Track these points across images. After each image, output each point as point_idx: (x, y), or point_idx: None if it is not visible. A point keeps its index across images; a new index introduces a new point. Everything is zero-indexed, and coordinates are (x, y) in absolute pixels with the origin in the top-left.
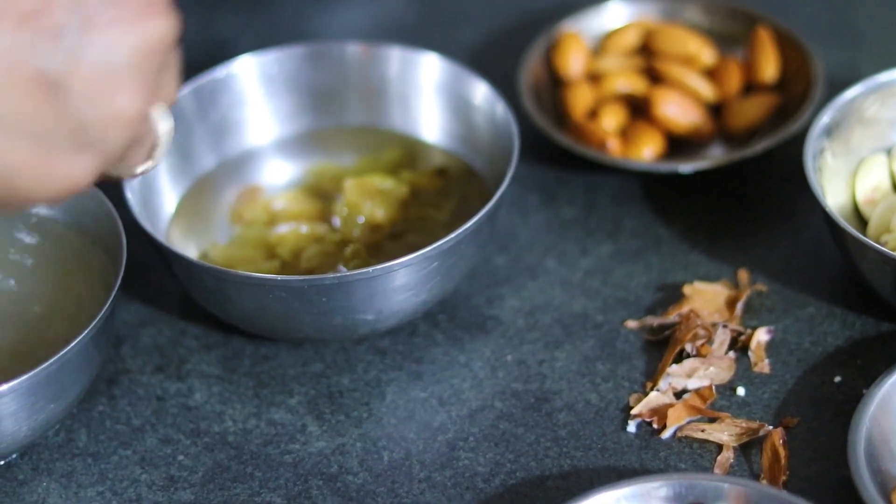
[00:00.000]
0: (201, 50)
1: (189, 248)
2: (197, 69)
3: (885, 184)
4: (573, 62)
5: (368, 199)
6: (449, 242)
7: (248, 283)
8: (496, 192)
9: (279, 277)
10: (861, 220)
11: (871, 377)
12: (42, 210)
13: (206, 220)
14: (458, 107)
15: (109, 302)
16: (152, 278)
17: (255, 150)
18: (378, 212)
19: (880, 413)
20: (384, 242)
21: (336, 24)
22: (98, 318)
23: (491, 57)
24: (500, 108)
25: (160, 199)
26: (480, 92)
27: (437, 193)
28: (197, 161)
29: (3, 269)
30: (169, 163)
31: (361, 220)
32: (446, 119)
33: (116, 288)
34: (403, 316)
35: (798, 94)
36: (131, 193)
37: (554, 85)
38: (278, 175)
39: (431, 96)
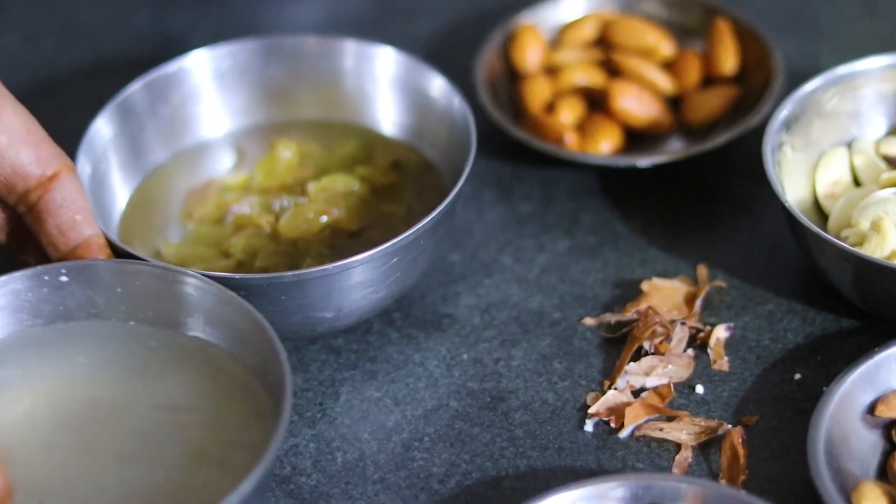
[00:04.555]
0: (153, 44)
1: (141, 246)
2: (149, 64)
3: (846, 178)
4: (530, 55)
5: (331, 201)
6: (408, 238)
7: None
8: (454, 187)
9: (237, 276)
10: (821, 215)
11: (832, 374)
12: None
13: (158, 216)
14: (415, 100)
15: (270, 449)
16: None
17: (208, 143)
18: (337, 212)
19: (840, 411)
20: (343, 241)
21: (289, 17)
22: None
23: (447, 50)
24: (457, 102)
25: (111, 194)
26: (437, 85)
27: (393, 188)
28: (148, 156)
29: (159, 398)
30: (120, 158)
31: (324, 219)
32: (402, 112)
33: (279, 434)
34: (362, 314)
35: (757, 87)
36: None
37: (511, 78)
38: (231, 170)
39: (387, 89)
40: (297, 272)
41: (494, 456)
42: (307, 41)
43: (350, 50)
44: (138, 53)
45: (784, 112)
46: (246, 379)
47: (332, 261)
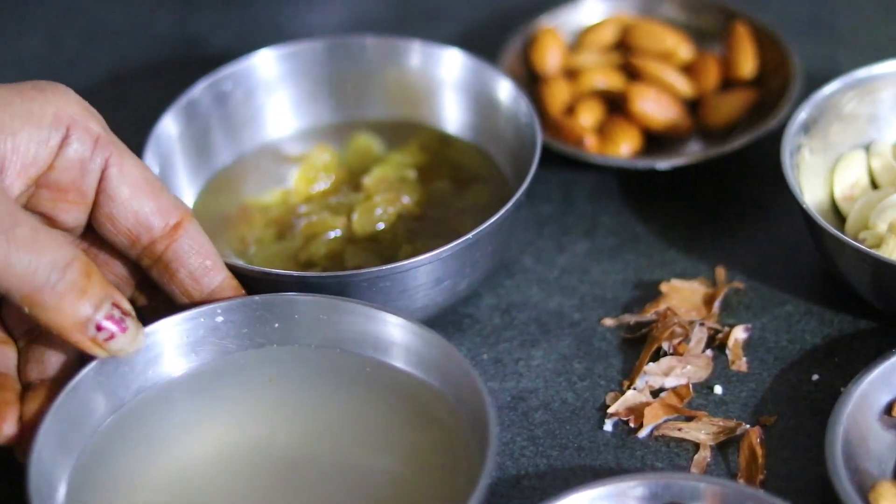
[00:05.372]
0: (174, 47)
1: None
2: (170, 66)
3: (864, 180)
4: (550, 58)
5: (393, 190)
6: (510, 208)
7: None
8: (525, 169)
9: (384, 267)
10: (839, 217)
11: (849, 375)
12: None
13: (224, 220)
14: (479, 101)
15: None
16: None
17: (273, 144)
18: (407, 199)
19: (858, 411)
20: (413, 225)
21: (310, 19)
22: None
23: (468, 52)
24: (524, 105)
25: (178, 194)
26: (503, 87)
27: (431, 166)
28: (215, 157)
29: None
30: (186, 158)
31: (392, 210)
32: (465, 112)
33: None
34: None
35: (776, 90)
36: None
37: (531, 81)
38: (292, 174)
39: (451, 90)
40: (445, 247)
41: (514, 455)
42: (372, 42)
43: (416, 50)
44: (160, 56)
45: (802, 115)
46: (447, 420)
47: (425, 247)
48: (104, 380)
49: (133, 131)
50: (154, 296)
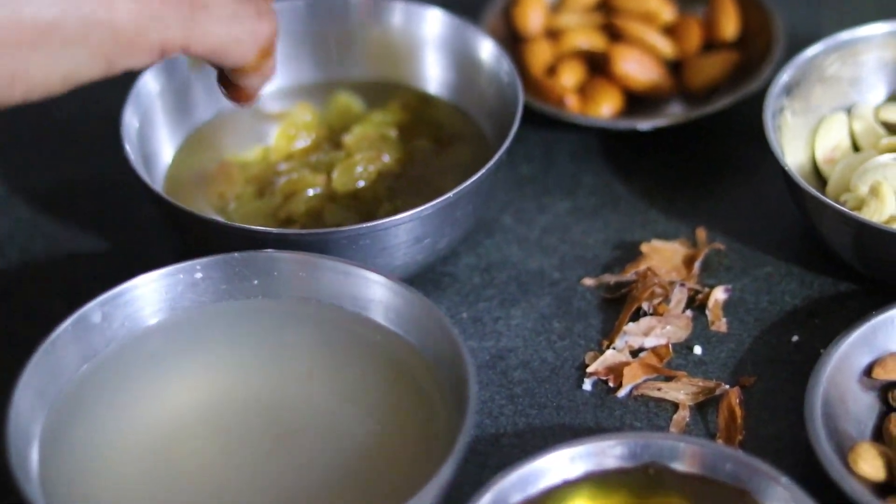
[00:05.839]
0: None
1: (190, 202)
2: None
3: (845, 143)
4: (532, 18)
5: (373, 148)
6: (493, 164)
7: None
8: (507, 127)
9: (346, 228)
10: (820, 180)
11: (829, 337)
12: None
13: (201, 178)
14: (461, 61)
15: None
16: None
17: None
18: (387, 157)
19: (837, 373)
20: (394, 183)
21: None
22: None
23: (450, 12)
24: (505, 65)
25: (158, 148)
26: (485, 48)
27: (412, 125)
28: (194, 113)
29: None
30: (167, 113)
31: (373, 168)
32: (447, 73)
33: (458, 449)
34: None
35: (758, 52)
36: (129, 145)
37: (513, 41)
38: (248, 143)
39: (433, 50)
40: (426, 205)
41: (493, 413)
42: (355, 0)
43: (398, 9)
44: None
45: (785, 77)
46: (425, 377)
47: (405, 205)
48: (82, 334)
49: (113, 88)
50: None
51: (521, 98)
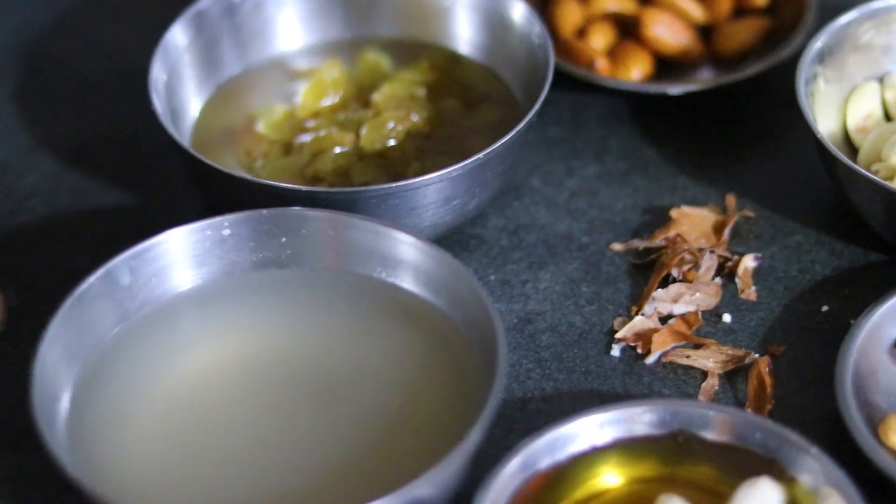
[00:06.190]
0: None
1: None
2: None
3: (877, 112)
4: None
5: (402, 107)
6: (524, 126)
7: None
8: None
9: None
10: (851, 148)
11: (859, 307)
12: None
13: (229, 132)
14: (491, 21)
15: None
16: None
17: (283, 57)
18: (416, 117)
19: (868, 344)
20: (422, 143)
21: None
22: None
23: None
24: (537, 26)
25: (185, 103)
26: (517, 9)
27: (440, 85)
28: (222, 68)
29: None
30: (194, 68)
31: (401, 127)
32: (478, 33)
33: (489, 408)
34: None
35: (789, 19)
36: (157, 99)
37: (542, 2)
38: (300, 88)
39: (465, 9)
40: (456, 165)
41: (521, 377)
42: None
43: None
44: None
45: (818, 43)
46: (454, 339)
47: (433, 165)
48: (110, 289)
49: (140, 42)
50: None
51: (553, 60)
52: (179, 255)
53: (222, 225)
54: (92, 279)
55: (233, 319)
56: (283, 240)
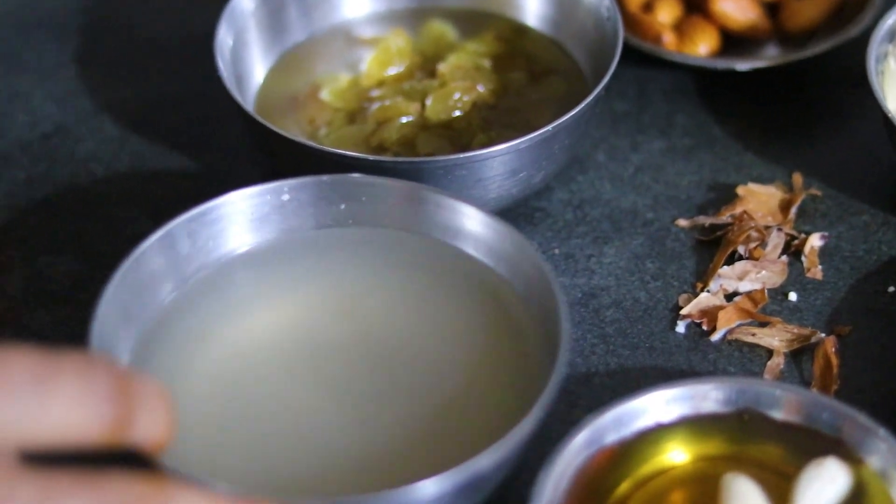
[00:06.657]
0: None
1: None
2: None
3: None
4: None
5: (468, 78)
6: (592, 99)
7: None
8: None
9: (435, 158)
10: None
11: None
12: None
13: (293, 99)
14: None
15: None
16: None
17: (347, 23)
18: (482, 88)
19: None
20: (488, 114)
21: None
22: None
23: None
24: (606, 2)
25: (250, 68)
26: None
27: (506, 56)
28: (288, 33)
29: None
30: (260, 33)
31: (468, 97)
32: (542, 4)
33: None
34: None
35: None
36: (223, 63)
37: None
38: (365, 56)
39: None
40: (524, 137)
41: (585, 352)
42: None
43: None
44: None
45: (890, 21)
46: (518, 312)
47: (499, 137)
48: (168, 253)
49: (205, 6)
50: None
51: (622, 34)
52: (238, 219)
53: (282, 190)
54: (151, 241)
55: (290, 283)
56: (343, 206)
